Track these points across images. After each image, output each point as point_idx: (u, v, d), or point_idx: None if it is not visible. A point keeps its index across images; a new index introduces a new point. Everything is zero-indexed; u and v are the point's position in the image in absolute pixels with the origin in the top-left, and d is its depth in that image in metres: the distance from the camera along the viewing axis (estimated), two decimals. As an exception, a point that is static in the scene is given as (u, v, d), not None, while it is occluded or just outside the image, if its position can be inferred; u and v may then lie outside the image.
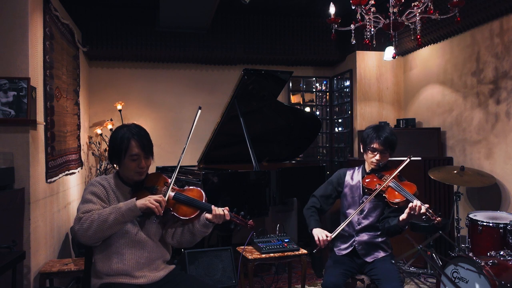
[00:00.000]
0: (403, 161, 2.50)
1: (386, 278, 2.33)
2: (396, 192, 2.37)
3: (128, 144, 1.98)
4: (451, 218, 4.01)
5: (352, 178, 2.63)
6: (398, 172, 2.47)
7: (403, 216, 2.29)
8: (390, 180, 2.42)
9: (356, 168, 2.66)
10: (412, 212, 2.24)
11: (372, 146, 2.48)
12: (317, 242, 2.39)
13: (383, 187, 2.41)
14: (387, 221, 2.45)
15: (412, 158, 2.61)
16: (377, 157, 2.48)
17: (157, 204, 1.92)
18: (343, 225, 2.46)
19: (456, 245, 3.48)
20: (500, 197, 3.84)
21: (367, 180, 2.51)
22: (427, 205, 2.22)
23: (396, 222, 2.36)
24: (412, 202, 2.25)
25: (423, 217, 2.21)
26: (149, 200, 1.92)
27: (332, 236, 2.40)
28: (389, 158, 2.57)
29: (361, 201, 2.55)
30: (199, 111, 2.25)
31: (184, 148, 2.20)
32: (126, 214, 1.89)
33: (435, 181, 4.00)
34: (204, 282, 2.19)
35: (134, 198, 1.93)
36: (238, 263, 2.91)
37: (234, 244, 3.23)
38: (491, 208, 3.86)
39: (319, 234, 2.41)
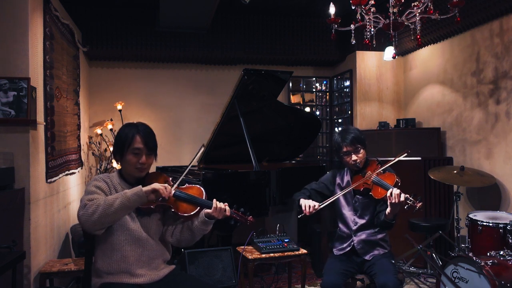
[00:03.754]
0: (389, 160, 2.53)
1: (381, 271, 2.34)
2: (379, 187, 2.39)
3: (133, 138, 2.03)
4: (451, 218, 4.01)
5: (342, 180, 2.66)
6: (381, 170, 2.48)
7: (388, 209, 2.32)
8: (372, 175, 2.45)
9: (345, 169, 2.68)
10: (393, 201, 2.25)
11: (343, 151, 2.52)
12: (303, 208, 2.42)
13: (364, 184, 2.45)
14: (379, 216, 2.48)
15: (410, 158, 2.61)
16: (354, 157, 2.51)
17: (163, 187, 1.95)
18: (332, 199, 2.49)
19: (456, 245, 3.49)
20: (500, 197, 3.84)
21: (354, 182, 2.53)
22: (407, 195, 2.25)
23: (383, 218, 2.39)
24: (391, 193, 2.27)
25: (406, 206, 2.23)
26: (155, 183, 1.95)
27: (321, 206, 2.42)
28: (381, 158, 2.59)
29: (353, 201, 2.57)
30: (202, 149, 2.35)
31: (186, 171, 2.22)
32: (133, 198, 1.89)
33: (435, 181, 4.00)
34: (204, 282, 2.20)
35: (140, 185, 1.95)
36: (238, 263, 2.91)
37: (234, 244, 3.23)
38: (491, 208, 3.86)
39: (307, 202, 2.44)
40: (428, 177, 3.98)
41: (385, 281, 2.25)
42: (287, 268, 3.51)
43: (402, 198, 2.24)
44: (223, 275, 2.77)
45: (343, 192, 2.52)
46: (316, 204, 2.44)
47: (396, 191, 2.27)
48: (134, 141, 2.02)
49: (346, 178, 2.64)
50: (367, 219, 2.53)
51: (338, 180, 2.67)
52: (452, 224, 3.94)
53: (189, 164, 2.30)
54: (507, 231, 3.00)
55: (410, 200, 2.22)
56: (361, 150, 2.52)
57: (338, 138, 2.54)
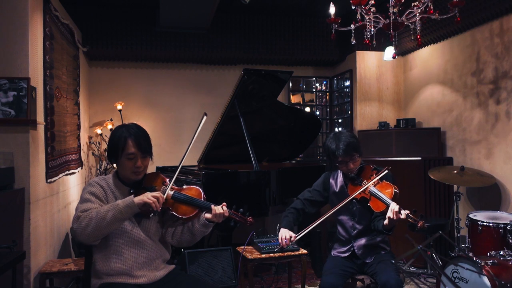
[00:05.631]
0: (381, 171, 2.44)
1: (382, 270, 2.32)
2: (378, 201, 2.31)
3: (125, 143, 1.99)
4: (451, 218, 4.01)
5: (336, 184, 2.61)
6: (377, 180, 2.39)
7: (385, 222, 2.25)
8: (368, 186, 2.37)
9: (339, 172, 2.62)
10: (391, 217, 2.17)
11: (338, 160, 2.45)
12: (280, 241, 2.47)
13: (361, 193, 2.38)
14: (375, 223, 2.42)
15: (410, 158, 2.57)
16: (349, 166, 2.45)
17: (155, 199, 1.92)
18: (308, 229, 2.42)
19: (456, 245, 3.48)
20: (500, 197, 3.84)
21: (349, 190, 2.48)
22: (407, 211, 2.16)
23: (381, 228, 2.33)
24: (390, 209, 2.18)
25: (407, 224, 2.17)
26: (146, 196, 1.92)
27: (297, 238, 2.42)
28: (378, 159, 2.54)
29: (351, 206, 2.53)
30: (205, 117, 2.21)
31: (186, 152, 2.20)
32: (124, 211, 1.89)
33: (435, 181, 4.00)
34: (204, 282, 2.19)
35: (132, 195, 1.94)
36: (238, 263, 2.91)
37: (234, 244, 3.23)
38: (491, 208, 3.86)
39: (284, 233, 2.47)
40: (428, 177, 3.97)
41: (387, 278, 2.23)
42: (287, 268, 3.51)
43: (402, 216, 2.15)
44: (223, 275, 2.77)
45: (336, 208, 2.45)
46: (293, 235, 2.44)
47: (395, 207, 2.16)
48: (126, 146, 1.98)
49: (340, 182, 2.59)
50: (365, 224, 2.51)
51: (332, 185, 2.63)
52: (452, 224, 3.94)
53: (191, 142, 2.20)
54: (507, 231, 2.99)
55: (411, 218, 2.14)
56: (357, 158, 2.46)
57: (332, 145, 2.45)
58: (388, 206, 2.23)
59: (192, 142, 2.20)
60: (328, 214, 2.46)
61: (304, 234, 2.47)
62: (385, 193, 2.31)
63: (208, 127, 4.04)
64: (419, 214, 2.17)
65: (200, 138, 4.33)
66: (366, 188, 2.38)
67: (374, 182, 2.39)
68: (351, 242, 2.54)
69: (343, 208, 2.51)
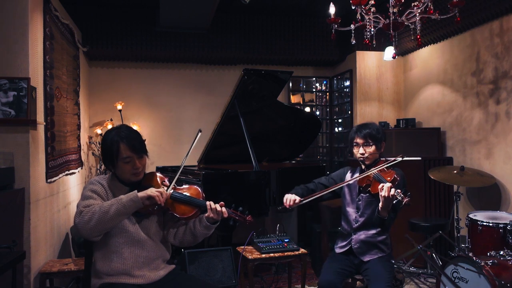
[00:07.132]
0: (393, 159, 2.48)
1: (374, 278, 2.32)
2: (377, 183, 2.35)
3: (118, 147, 1.97)
4: (451, 218, 4.01)
5: (351, 178, 2.64)
6: (385, 167, 2.43)
7: (380, 204, 2.28)
8: (372, 172, 2.41)
9: (358, 168, 2.67)
10: (383, 194, 2.21)
11: (355, 141, 2.54)
12: (284, 201, 2.47)
13: (366, 180, 2.41)
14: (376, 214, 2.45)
15: (409, 158, 2.57)
16: (361, 150, 2.51)
17: (158, 193, 1.93)
18: (315, 196, 2.49)
19: (456, 245, 3.48)
20: (500, 197, 3.84)
21: (359, 179, 2.50)
22: (398, 190, 2.20)
23: (377, 213, 2.35)
24: (385, 187, 2.21)
25: (394, 200, 2.19)
26: (150, 190, 1.93)
27: (302, 202, 2.44)
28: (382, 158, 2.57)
29: (357, 199, 2.56)
30: (199, 133, 2.24)
31: (184, 160, 2.20)
32: (128, 205, 1.88)
33: (435, 181, 4.00)
34: (204, 282, 2.20)
35: (135, 190, 1.93)
36: (238, 263, 2.91)
37: (234, 244, 3.23)
38: (491, 208, 3.86)
39: (289, 196, 2.49)
40: (428, 177, 3.97)
41: None
42: (287, 268, 3.51)
43: (392, 192, 2.19)
44: (223, 275, 2.78)
45: (338, 186, 2.53)
46: (297, 198, 2.45)
47: (387, 184, 2.22)
48: (120, 151, 1.97)
49: (356, 175, 2.62)
50: (367, 217, 2.51)
51: (347, 178, 2.65)
52: (452, 224, 3.94)
53: (186, 156, 2.23)
54: (507, 231, 3.00)
55: (399, 195, 2.16)
56: (372, 146, 2.50)
57: (356, 129, 2.57)
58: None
59: (188, 156, 2.23)
60: (338, 186, 2.55)
61: (311, 200, 2.48)
62: (385, 177, 2.35)
63: (208, 127, 4.05)
64: (408, 192, 2.19)
65: (200, 137, 4.36)
66: (371, 173, 2.41)
67: (380, 169, 2.42)
68: (351, 235, 2.55)
69: (351, 199, 2.58)
